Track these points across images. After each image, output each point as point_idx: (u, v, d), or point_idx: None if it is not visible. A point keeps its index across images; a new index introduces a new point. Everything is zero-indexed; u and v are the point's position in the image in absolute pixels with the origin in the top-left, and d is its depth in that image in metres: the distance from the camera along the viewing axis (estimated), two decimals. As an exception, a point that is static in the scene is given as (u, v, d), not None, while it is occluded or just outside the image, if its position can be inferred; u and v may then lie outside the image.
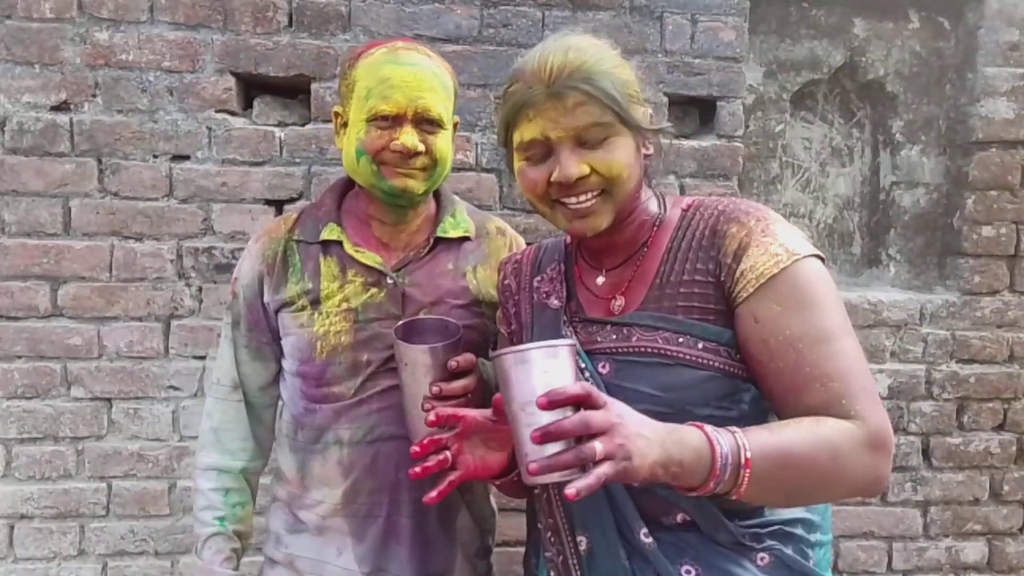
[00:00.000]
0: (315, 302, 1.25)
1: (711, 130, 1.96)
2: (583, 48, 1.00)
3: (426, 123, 1.20)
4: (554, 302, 1.13)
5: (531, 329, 1.13)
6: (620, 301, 1.07)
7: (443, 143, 1.23)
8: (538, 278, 1.17)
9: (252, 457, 1.35)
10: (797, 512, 1.03)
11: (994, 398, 2.08)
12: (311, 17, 1.81)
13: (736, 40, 1.92)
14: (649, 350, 1.00)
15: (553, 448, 0.78)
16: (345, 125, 1.26)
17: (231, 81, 1.81)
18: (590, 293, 1.11)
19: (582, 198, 1.00)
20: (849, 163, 2.19)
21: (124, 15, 1.77)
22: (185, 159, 1.81)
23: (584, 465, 0.77)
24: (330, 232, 1.27)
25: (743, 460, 0.83)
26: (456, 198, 1.38)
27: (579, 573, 1.05)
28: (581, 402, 0.80)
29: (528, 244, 1.30)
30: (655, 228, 1.09)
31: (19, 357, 1.80)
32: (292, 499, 1.31)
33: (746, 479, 0.84)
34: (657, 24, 1.90)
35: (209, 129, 1.81)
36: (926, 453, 2.08)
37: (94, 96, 1.78)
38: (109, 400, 1.83)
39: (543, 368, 0.81)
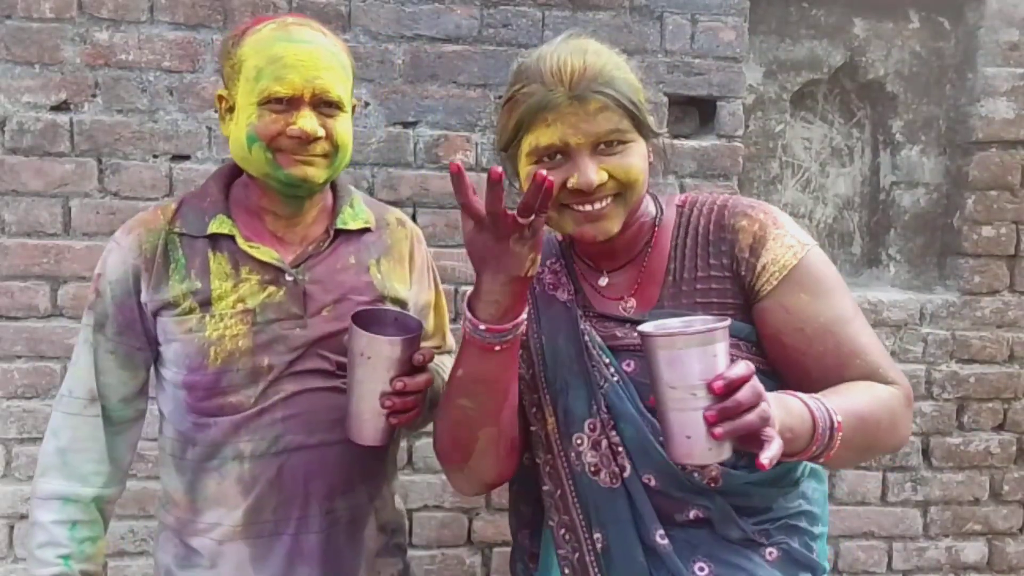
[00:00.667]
0: (205, 303, 1.12)
1: (711, 130, 1.96)
2: (599, 52, 1.00)
3: (325, 105, 1.09)
4: (562, 295, 1.11)
5: (537, 321, 1.10)
6: (631, 303, 1.07)
7: (344, 127, 1.12)
8: (538, 270, 1.12)
9: (107, 483, 1.18)
10: (802, 506, 1.05)
11: (994, 398, 2.08)
12: (311, 17, 1.80)
13: (736, 40, 1.92)
14: None
15: (719, 429, 0.79)
16: (231, 109, 1.14)
17: (231, 81, 1.81)
18: (595, 291, 1.11)
19: (596, 205, 0.99)
20: (849, 163, 2.19)
21: (124, 15, 1.77)
22: (185, 159, 1.81)
23: (754, 433, 0.79)
24: (220, 225, 1.14)
25: (835, 424, 0.89)
26: (352, 188, 1.28)
27: (596, 569, 1.05)
28: (746, 381, 0.80)
29: None
30: (655, 228, 1.10)
31: (19, 357, 1.80)
32: (182, 526, 1.17)
33: (838, 441, 0.89)
34: (657, 24, 1.90)
35: (209, 129, 1.81)
36: (926, 453, 2.08)
37: (94, 96, 1.78)
38: (109, 400, 1.83)
39: (706, 353, 0.80)
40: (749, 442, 0.80)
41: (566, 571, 1.07)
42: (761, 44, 2.08)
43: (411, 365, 1.07)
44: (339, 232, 1.20)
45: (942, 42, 2.12)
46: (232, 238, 1.14)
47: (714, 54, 1.92)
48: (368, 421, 1.09)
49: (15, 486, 1.82)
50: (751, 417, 0.79)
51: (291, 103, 1.07)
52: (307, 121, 1.07)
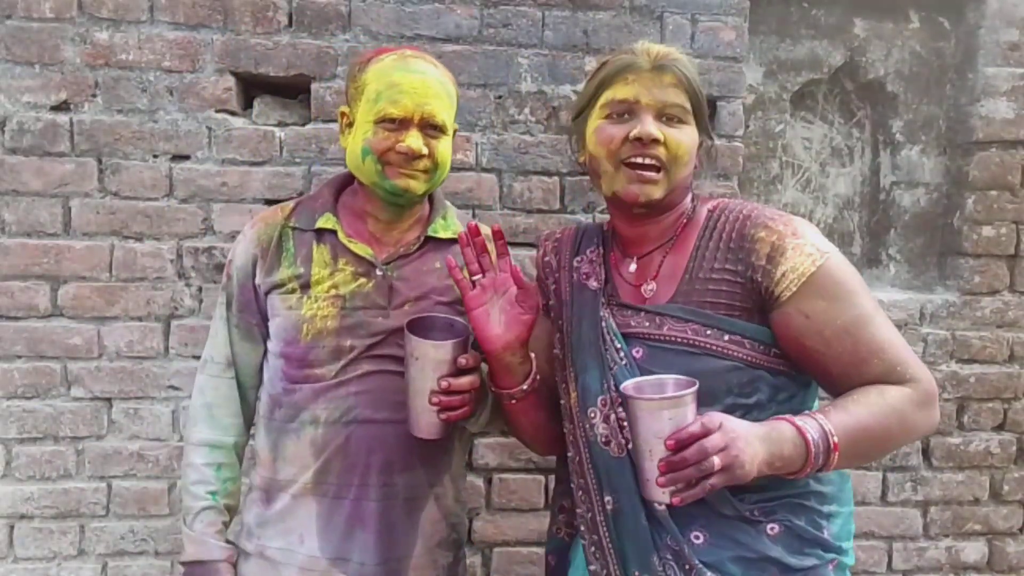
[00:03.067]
0: (305, 286, 1.29)
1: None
2: (682, 54, 1.18)
3: (430, 128, 1.26)
4: (593, 283, 1.24)
5: (571, 307, 1.25)
6: (652, 285, 1.19)
7: (444, 148, 1.29)
8: (578, 258, 1.28)
9: (240, 432, 1.39)
10: (810, 485, 1.12)
11: (994, 398, 2.08)
12: (311, 17, 1.81)
13: (736, 40, 1.92)
14: (679, 339, 1.11)
15: (662, 479, 0.95)
16: (351, 125, 1.31)
17: (231, 81, 1.81)
18: (623, 279, 1.23)
19: (647, 161, 1.12)
20: (849, 163, 2.19)
21: (124, 15, 1.77)
22: (185, 159, 1.81)
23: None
24: (326, 221, 1.32)
25: (832, 444, 0.99)
26: (448, 203, 1.44)
27: (605, 528, 1.17)
28: (700, 439, 0.93)
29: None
30: (685, 223, 1.21)
31: (19, 357, 1.80)
32: (265, 484, 1.34)
33: (835, 458, 0.99)
34: (657, 24, 1.90)
35: (209, 129, 1.81)
36: (926, 453, 2.08)
37: (94, 96, 1.78)
38: (109, 400, 1.83)
39: (669, 415, 0.95)
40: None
41: (582, 528, 1.20)
42: (761, 44, 2.08)
43: (457, 367, 1.20)
44: (430, 239, 1.35)
45: (942, 42, 2.12)
46: (335, 233, 1.31)
47: (714, 54, 1.92)
48: (421, 416, 1.22)
49: (15, 486, 1.82)
50: (690, 471, 0.93)
51: (402, 124, 1.25)
52: (414, 140, 1.24)
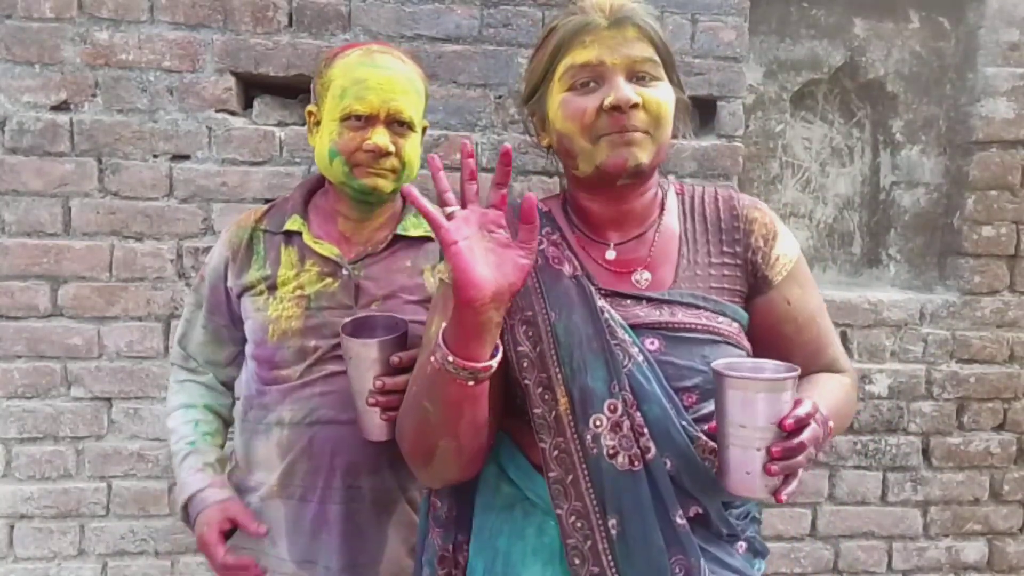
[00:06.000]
0: (272, 287, 1.29)
1: (711, 130, 1.96)
2: (635, 1, 1.04)
3: (397, 125, 1.24)
4: (568, 269, 1.05)
5: (543, 296, 1.04)
6: (646, 275, 1.05)
7: (412, 146, 1.27)
8: (548, 241, 1.08)
9: (215, 401, 1.40)
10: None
11: (994, 398, 2.08)
12: (311, 17, 1.81)
13: (736, 40, 1.92)
14: (697, 327, 1.01)
15: (776, 467, 0.87)
16: (318, 124, 1.29)
17: (231, 81, 1.81)
18: (598, 266, 1.07)
19: (629, 132, 0.98)
20: (849, 163, 2.19)
21: (124, 15, 1.77)
22: (185, 159, 1.81)
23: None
24: (292, 223, 1.31)
25: (829, 429, 0.95)
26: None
27: (609, 556, 1.01)
28: (809, 421, 0.87)
29: None
30: (662, 208, 1.10)
31: (19, 357, 1.80)
32: (239, 484, 1.33)
33: (829, 439, 0.97)
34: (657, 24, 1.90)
35: (209, 129, 1.81)
36: (926, 453, 2.08)
37: (94, 96, 1.78)
38: (109, 400, 1.83)
39: (782, 398, 0.87)
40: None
41: (576, 561, 1.01)
42: (761, 44, 2.08)
43: (392, 365, 1.15)
44: (400, 237, 1.32)
45: (942, 42, 2.12)
46: (301, 234, 1.30)
47: (714, 54, 1.92)
48: (364, 417, 1.18)
49: (15, 486, 1.82)
50: (801, 459, 0.86)
51: (368, 121, 1.22)
52: (380, 138, 1.21)
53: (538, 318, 1.03)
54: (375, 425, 1.18)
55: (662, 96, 1.00)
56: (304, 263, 1.29)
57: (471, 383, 0.90)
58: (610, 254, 1.07)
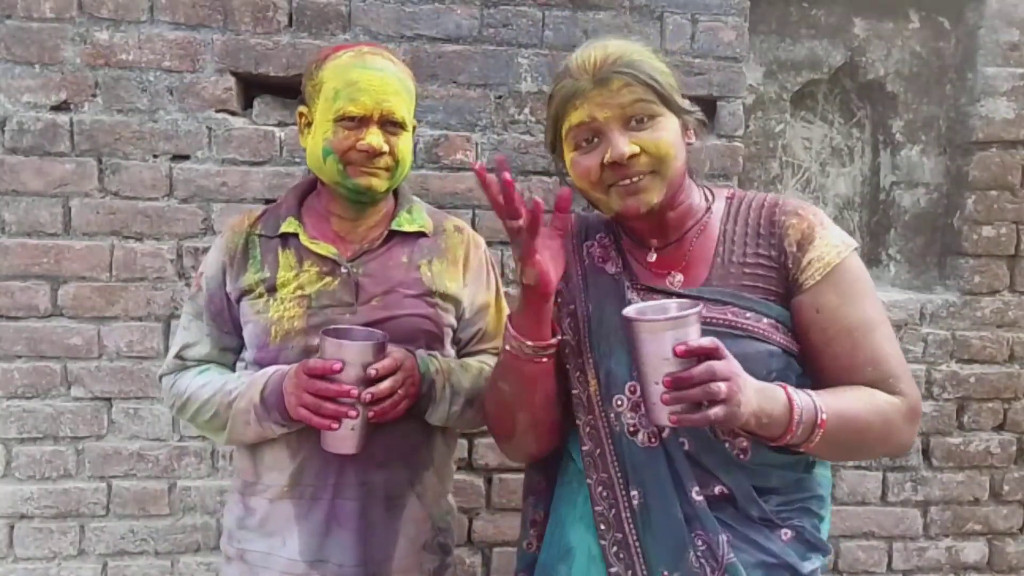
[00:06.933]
0: (271, 289, 1.29)
1: (711, 130, 1.96)
2: (621, 43, 1.09)
3: (390, 125, 1.25)
4: (611, 268, 1.18)
5: (585, 291, 1.18)
6: (679, 277, 1.14)
7: (404, 144, 1.28)
8: (588, 243, 1.22)
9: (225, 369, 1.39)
10: (815, 490, 1.13)
11: (994, 398, 2.08)
12: (311, 17, 1.81)
13: (736, 40, 1.92)
14: (720, 321, 1.06)
15: (667, 396, 0.92)
16: (310, 125, 1.30)
17: (231, 81, 1.81)
18: (641, 266, 1.17)
19: (634, 179, 1.06)
20: (849, 163, 2.19)
21: (124, 15, 1.77)
22: (185, 159, 1.81)
23: (701, 404, 0.91)
24: (288, 226, 1.31)
25: (819, 420, 0.98)
26: (415, 198, 1.43)
27: (631, 525, 1.10)
28: (709, 355, 0.91)
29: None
30: (707, 213, 1.17)
31: (19, 357, 1.80)
32: (245, 488, 1.32)
33: (819, 436, 0.99)
34: (657, 24, 1.90)
35: (209, 129, 1.81)
36: (926, 453, 2.08)
37: (94, 96, 1.78)
38: (109, 400, 1.83)
39: (674, 336, 0.92)
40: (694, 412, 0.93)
41: (601, 527, 1.13)
42: (761, 44, 2.08)
43: (367, 376, 1.16)
44: (395, 233, 1.34)
45: (942, 42, 2.12)
46: (297, 236, 1.31)
47: (714, 54, 1.92)
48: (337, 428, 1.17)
49: (15, 486, 1.82)
50: (696, 392, 0.90)
51: (362, 122, 1.23)
52: (374, 138, 1.23)
53: (578, 310, 1.18)
54: (341, 437, 1.17)
55: (661, 135, 1.06)
56: (303, 264, 1.30)
57: (544, 359, 1.10)
58: (651, 256, 1.17)
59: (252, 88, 1.87)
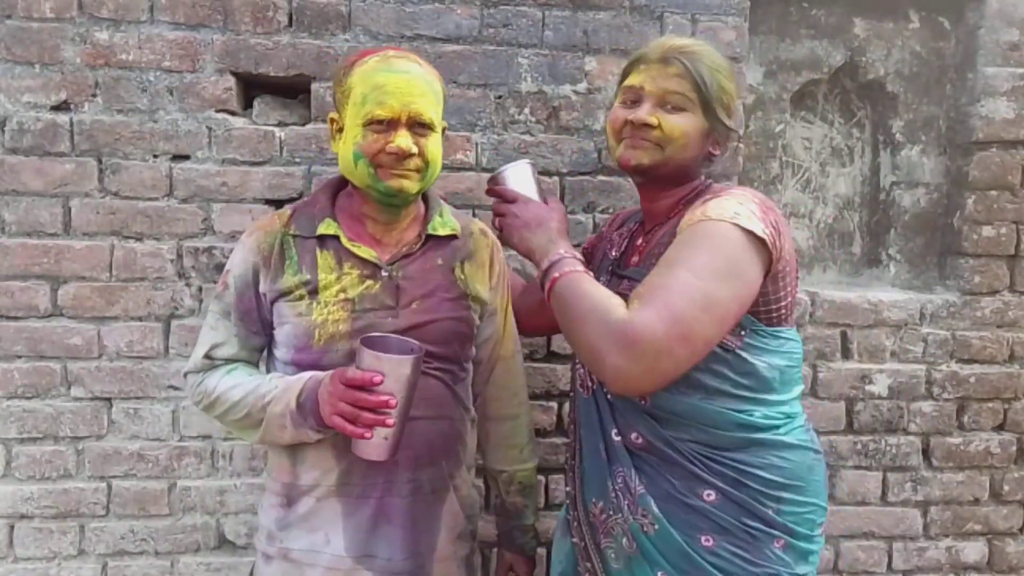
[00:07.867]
0: (313, 292, 1.30)
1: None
2: (703, 46, 1.27)
3: (418, 126, 1.27)
4: (614, 252, 1.40)
5: (596, 269, 1.41)
6: (634, 258, 1.34)
7: (434, 145, 1.30)
8: (619, 231, 1.45)
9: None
10: (750, 467, 1.19)
11: (994, 398, 2.08)
12: (311, 17, 1.81)
13: (736, 40, 1.92)
14: (624, 296, 1.16)
15: None
16: (341, 130, 1.32)
17: (231, 81, 1.81)
18: (636, 248, 1.36)
19: (641, 140, 1.25)
20: (849, 163, 2.19)
21: (124, 15, 1.77)
22: (185, 159, 1.81)
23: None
24: (327, 227, 1.32)
25: (552, 277, 1.17)
26: (441, 199, 1.46)
27: (574, 473, 1.38)
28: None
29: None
30: (684, 206, 1.29)
31: (19, 357, 1.80)
32: (285, 488, 1.33)
33: (548, 289, 1.18)
34: (657, 24, 1.90)
35: (209, 129, 1.81)
36: (926, 453, 2.08)
37: (94, 96, 1.78)
38: (109, 400, 1.83)
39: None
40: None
41: (567, 485, 1.42)
42: (761, 44, 2.08)
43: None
44: (429, 237, 1.37)
45: (942, 42, 2.12)
46: (337, 238, 1.32)
47: (714, 54, 1.92)
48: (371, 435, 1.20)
49: (15, 486, 1.82)
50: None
51: (390, 124, 1.26)
52: (404, 140, 1.25)
53: None
54: (375, 445, 1.18)
55: (680, 121, 1.24)
56: (342, 266, 1.31)
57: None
58: (640, 240, 1.36)
59: (252, 88, 1.87)
